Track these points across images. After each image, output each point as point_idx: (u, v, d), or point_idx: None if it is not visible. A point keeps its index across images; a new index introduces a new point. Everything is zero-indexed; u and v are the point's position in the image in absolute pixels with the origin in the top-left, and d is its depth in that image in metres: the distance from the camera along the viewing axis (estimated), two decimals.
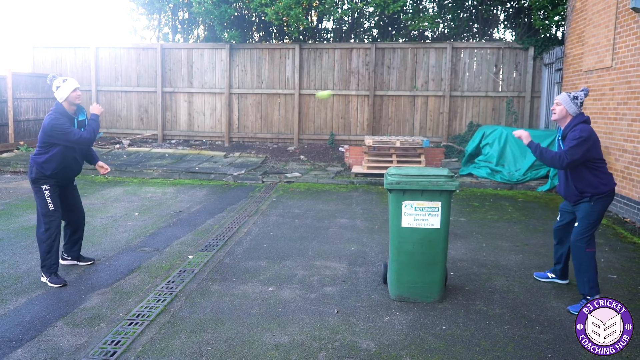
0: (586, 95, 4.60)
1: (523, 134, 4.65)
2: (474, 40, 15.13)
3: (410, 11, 14.98)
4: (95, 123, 5.07)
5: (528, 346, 3.88)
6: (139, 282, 5.07)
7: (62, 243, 5.55)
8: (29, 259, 5.64)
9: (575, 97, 4.53)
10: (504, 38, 15.95)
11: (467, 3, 14.90)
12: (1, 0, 25.05)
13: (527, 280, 5.23)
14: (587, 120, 4.54)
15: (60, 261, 5.47)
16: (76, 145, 4.93)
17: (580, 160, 4.45)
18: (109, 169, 5.46)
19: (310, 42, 15.24)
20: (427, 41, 14.99)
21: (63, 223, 5.38)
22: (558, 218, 5.01)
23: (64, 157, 5.01)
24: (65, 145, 4.93)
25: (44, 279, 4.98)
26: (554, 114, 4.62)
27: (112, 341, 3.85)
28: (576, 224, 4.60)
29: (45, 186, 4.97)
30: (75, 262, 5.49)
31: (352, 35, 15.59)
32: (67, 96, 4.91)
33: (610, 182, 4.54)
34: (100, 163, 5.43)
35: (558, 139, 4.76)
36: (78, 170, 5.27)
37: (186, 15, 16.15)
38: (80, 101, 5.06)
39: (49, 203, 4.96)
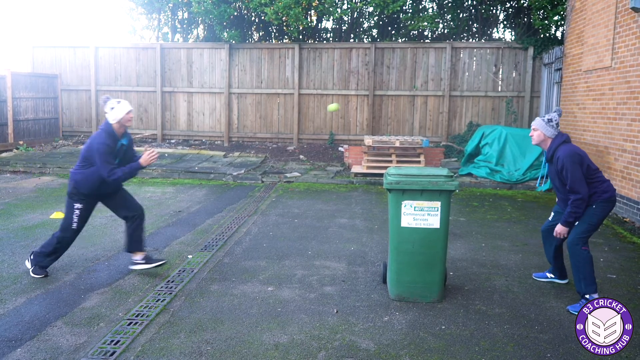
0: (560, 115, 4.71)
1: (562, 231, 4.66)
2: (474, 40, 15.13)
3: (410, 11, 14.98)
4: (133, 171, 4.93)
5: (527, 346, 3.88)
6: (138, 281, 5.06)
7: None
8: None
9: (550, 120, 4.63)
10: (504, 38, 15.97)
11: (466, 3, 14.90)
12: (1, 0, 25.04)
13: (527, 280, 5.23)
14: (566, 140, 4.62)
15: (131, 266, 5.27)
16: (104, 177, 4.82)
17: (585, 174, 4.50)
18: (155, 154, 5.02)
19: (309, 41, 15.24)
20: (426, 41, 15.00)
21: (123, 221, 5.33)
22: (550, 218, 5.02)
23: (101, 178, 4.91)
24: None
25: (28, 264, 5.10)
26: (533, 139, 4.74)
27: (112, 341, 3.84)
28: (577, 223, 4.61)
29: (77, 205, 4.95)
30: (145, 264, 5.22)
31: (352, 35, 15.59)
32: (120, 118, 4.86)
33: (609, 189, 4.57)
34: (143, 156, 5.04)
35: (545, 163, 4.81)
36: (118, 187, 5.16)
37: (185, 15, 16.14)
38: (131, 123, 5.00)
39: (74, 222, 4.99)
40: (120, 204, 5.22)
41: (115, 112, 4.85)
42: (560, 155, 4.53)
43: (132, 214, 5.20)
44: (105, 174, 4.79)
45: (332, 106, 5.09)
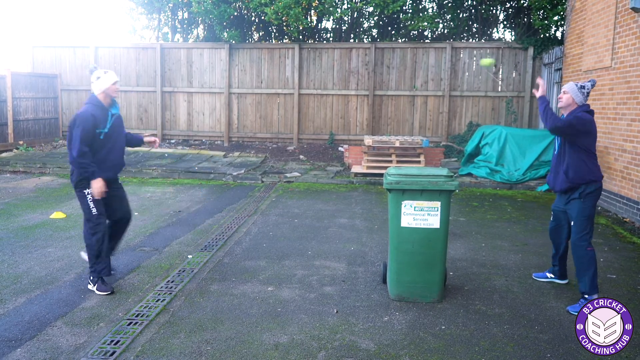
0: (593, 86, 4.70)
1: (541, 88, 4.69)
2: (474, 40, 15.13)
3: (410, 11, 14.98)
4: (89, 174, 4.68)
5: (527, 346, 3.88)
6: (138, 281, 5.06)
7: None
8: (28, 258, 5.64)
9: (582, 87, 4.62)
10: (504, 38, 15.96)
11: (466, 3, 14.90)
12: (1, 1, 25.04)
13: (527, 280, 5.23)
14: (591, 112, 4.62)
15: (81, 253, 5.23)
16: (70, 151, 4.64)
17: (571, 136, 4.51)
18: (157, 140, 5.39)
19: (309, 41, 15.23)
20: (426, 41, 14.99)
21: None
22: (552, 218, 5.03)
23: (100, 151, 4.74)
24: (95, 138, 4.66)
25: (90, 287, 4.79)
26: (561, 101, 4.69)
27: (112, 341, 3.84)
28: (572, 223, 4.62)
29: (87, 190, 4.72)
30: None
31: (352, 35, 15.59)
32: (106, 88, 4.71)
33: (597, 173, 4.60)
34: (146, 138, 5.35)
35: None
36: (120, 161, 4.96)
37: (186, 15, 16.14)
38: (117, 95, 4.87)
39: (92, 208, 4.73)
40: (114, 205, 5.00)
41: (102, 82, 4.70)
42: (578, 114, 4.53)
43: (121, 217, 5.07)
44: (74, 148, 4.55)
45: (486, 61, 5.14)
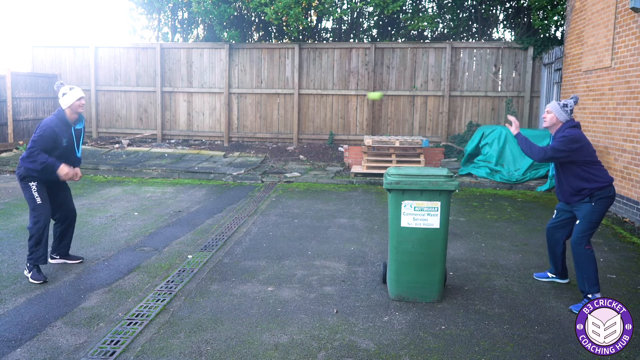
0: (576, 102, 4.75)
1: (515, 124, 4.82)
2: (474, 40, 15.13)
3: (410, 11, 14.98)
4: (50, 167, 4.95)
5: (527, 346, 3.88)
6: (138, 281, 5.06)
7: (50, 241, 5.57)
8: None
9: (565, 105, 4.66)
10: (504, 38, 15.97)
11: (466, 3, 14.90)
12: (1, 1, 25.03)
13: (527, 280, 5.23)
14: (576, 125, 4.65)
15: (50, 260, 5.46)
16: (33, 158, 4.91)
17: (564, 159, 4.55)
18: (77, 178, 5.30)
19: (309, 41, 15.23)
20: (426, 41, 14.99)
21: (52, 221, 5.39)
22: (554, 216, 5.02)
23: (53, 154, 5.05)
24: (52, 151, 5.00)
25: (26, 273, 5.05)
26: (545, 121, 4.76)
27: (112, 341, 3.84)
28: (577, 222, 4.62)
29: (32, 183, 5.05)
30: (64, 260, 5.50)
31: (352, 35, 15.59)
32: (71, 104, 5.03)
33: (605, 177, 4.58)
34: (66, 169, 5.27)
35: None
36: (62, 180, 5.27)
37: (185, 15, 16.14)
38: (83, 110, 5.17)
39: (37, 197, 5.04)
40: (62, 202, 5.36)
41: (67, 98, 5.01)
42: (564, 133, 4.57)
43: (66, 215, 5.41)
44: (36, 158, 4.88)
45: (374, 95, 5.29)
